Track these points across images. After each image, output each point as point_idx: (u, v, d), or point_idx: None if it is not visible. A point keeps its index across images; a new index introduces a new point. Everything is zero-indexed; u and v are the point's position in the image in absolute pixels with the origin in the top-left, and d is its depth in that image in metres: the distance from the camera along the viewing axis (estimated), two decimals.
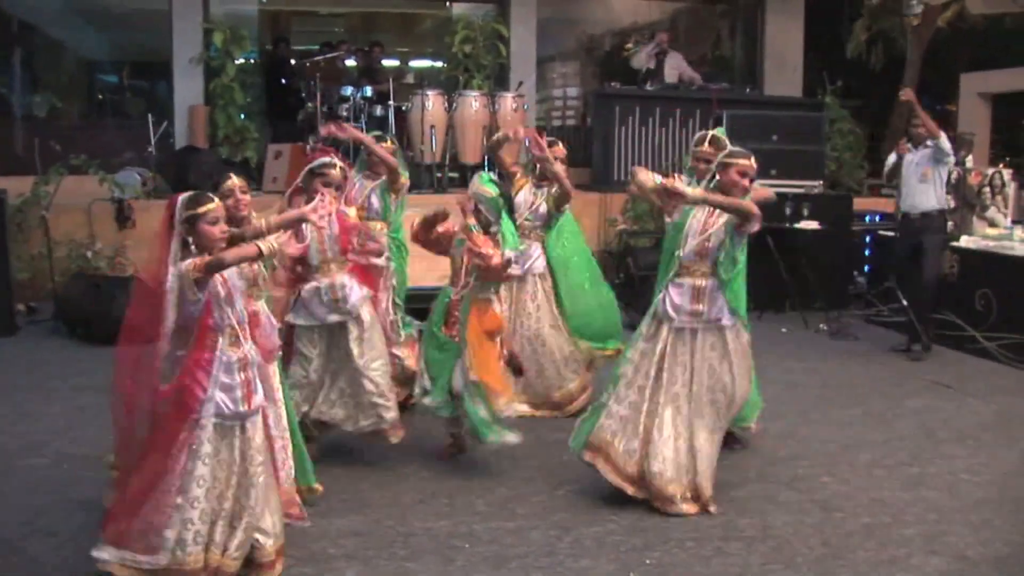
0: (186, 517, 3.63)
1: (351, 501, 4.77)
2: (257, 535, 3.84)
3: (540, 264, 6.23)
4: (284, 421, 4.46)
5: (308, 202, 4.36)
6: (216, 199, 3.80)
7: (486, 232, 5.10)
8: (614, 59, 15.94)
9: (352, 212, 5.26)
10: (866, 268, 10.00)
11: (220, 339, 3.72)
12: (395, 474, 5.16)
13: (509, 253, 5.09)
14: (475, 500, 4.82)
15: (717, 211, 4.60)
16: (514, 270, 5.56)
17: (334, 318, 5.08)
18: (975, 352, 7.86)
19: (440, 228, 5.20)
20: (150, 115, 10.77)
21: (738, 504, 4.77)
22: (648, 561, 4.17)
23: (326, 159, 4.97)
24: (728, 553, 4.25)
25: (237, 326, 3.76)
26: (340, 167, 5.01)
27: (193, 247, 3.67)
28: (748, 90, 13.30)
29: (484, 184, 5.19)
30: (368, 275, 5.27)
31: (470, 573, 4.04)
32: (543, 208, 6.23)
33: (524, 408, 6.02)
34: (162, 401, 3.70)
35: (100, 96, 15.48)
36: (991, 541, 4.37)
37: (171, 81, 11.74)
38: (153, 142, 10.45)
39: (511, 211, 5.49)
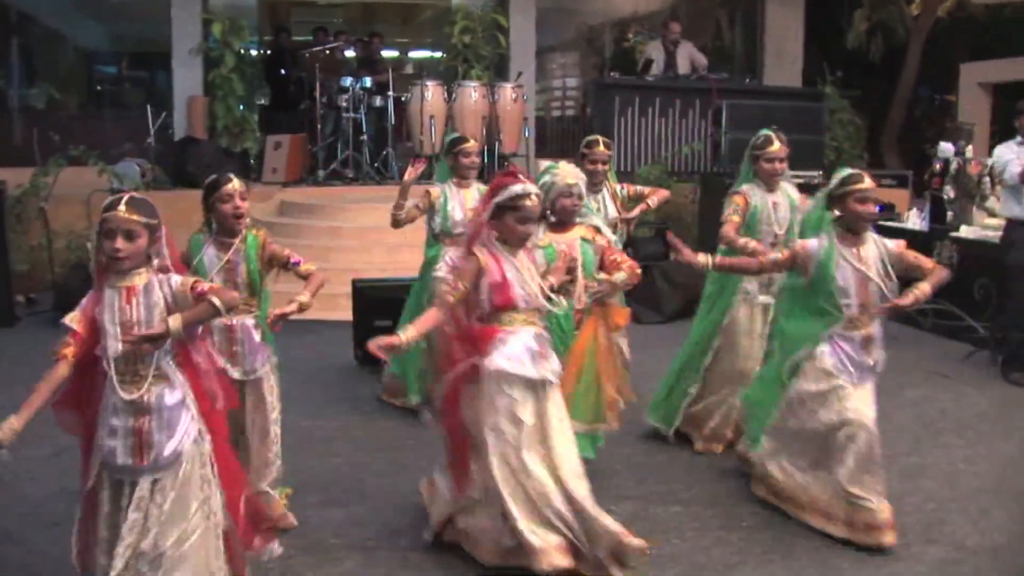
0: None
1: (351, 492, 4.77)
2: None
3: None
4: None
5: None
6: None
7: (570, 223, 4.54)
8: (614, 49, 15.95)
9: None
10: None
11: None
12: (395, 464, 5.16)
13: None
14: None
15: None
16: None
17: None
18: (974, 342, 7.86)
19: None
20: (149, 106, 10.78)
21: (737, 495, 4.77)
22: (648, 551, 4.17)
23: (515, 187, 3.83)
24: (728, 543, 4.26)
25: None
26: (536, 195, 3.89)
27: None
28: (748, 80, 13.32)
29: (576, 170, 4.61)
30: None
31: (470, 563, 4.04)
32: (612, 211, 5.66)
33: None
34: None
35: (99, 87, 15.49)
36: (989, 531, 4.37)
37: (170, 72, 11.76)
38: (152, 133, 10.45)
39: None
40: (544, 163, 4.92)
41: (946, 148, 9.23)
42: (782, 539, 4.29)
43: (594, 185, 5.48)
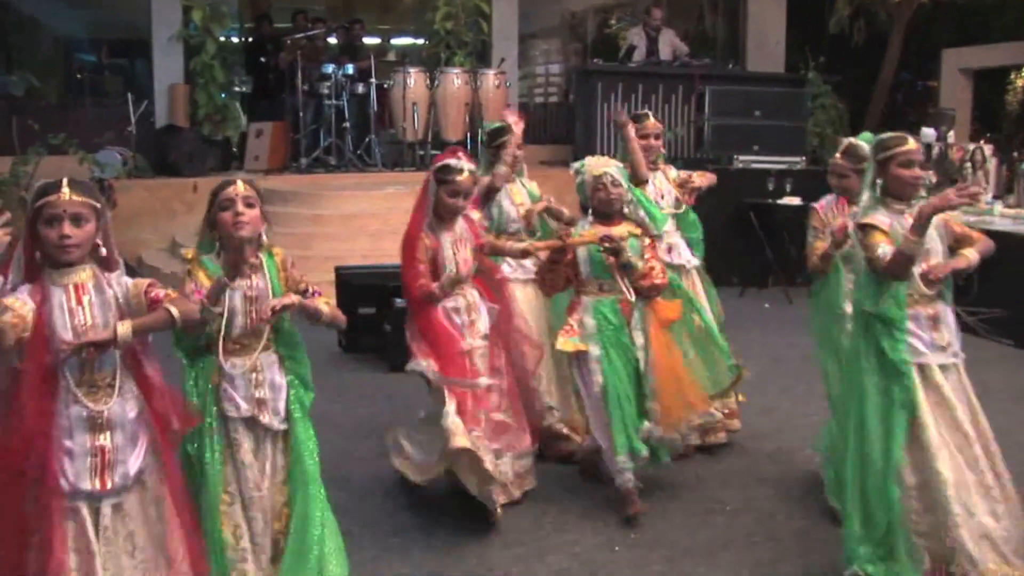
0: None
1: (336, 479, 4.73)
2: None
3: (691, 255, 5.31)
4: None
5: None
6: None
7: (618, 217, 4.43)
8: (596, 35, 15.93)
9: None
10: None
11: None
12: (377, 452, 5.13)
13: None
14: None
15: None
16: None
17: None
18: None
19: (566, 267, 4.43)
20: (129, 94, 10.69)
21: (722, 477, 4.80)
22: (633, 535, 4.20)
23: (450, 161, 4.17)
24: (713, 525, 4.29)
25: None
26: (470, 171, 4.19)
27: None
28: (730, 66, 13.30)
29: (603, 160, 4.49)
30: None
31: (454, 547, 4.06)
32: (672, 193, 5.29)
33: None
34: None
35: (79, 75, 15.35)
36: None
37: (151, 59, 11.66)
38: (133, 121, 10.37)
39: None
40: (590, 159, 4.51)
41: (928, 134, 9.28)
42: (765, 521, 4.32)
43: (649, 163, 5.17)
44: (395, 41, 16.78)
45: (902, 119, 15.13)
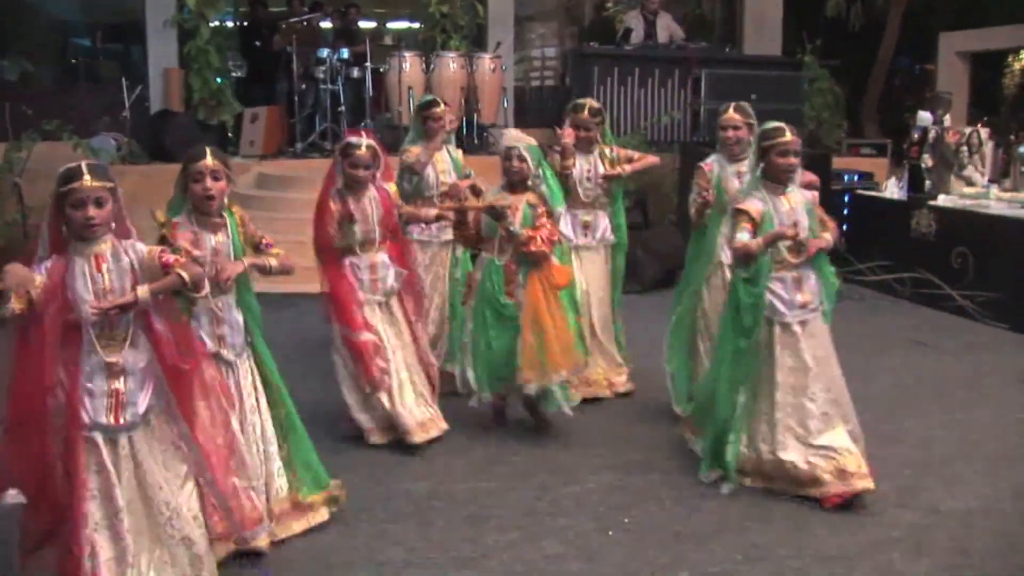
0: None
1: (330, 464, 4.70)
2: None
3: (609, 234, 5.81)
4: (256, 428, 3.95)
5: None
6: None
7: (521, 187, 4.96)
8: (593, 19, 15.87)
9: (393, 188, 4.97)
10: (844, 227, 10.02)
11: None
12: None
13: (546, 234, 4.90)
14: (453, 462, 4.84)
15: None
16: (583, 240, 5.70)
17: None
18: (951, 310, 7.92)
19: (472, 225, 5.06)
20: (124, 79, 10.64)
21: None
22: (627, 520, 4.21)
23: (351, 139, 4.76)
24: (706, 511, 4.29)
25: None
26: (368, 145, 4.71)
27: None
28: (727, 49, 13.24)
29: (519, 135, 5.08)
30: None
31: (450, 533, 4.07)
32: (600, 169, 5.70)
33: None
34: None
35: (73, 60, 15.28)
36: (962, 495, 4.43)
37: (145, 44, 11.59)
38: (128, 106, 10.33)
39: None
40: (510, 131, 5.22)
41: (925, 117, 9.25)
42: (759, 506, 4.32)
43: (586, 146, 5.65)
44: (391, 25, 16.70)
45: (899, 102, 15.14)
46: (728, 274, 4.90)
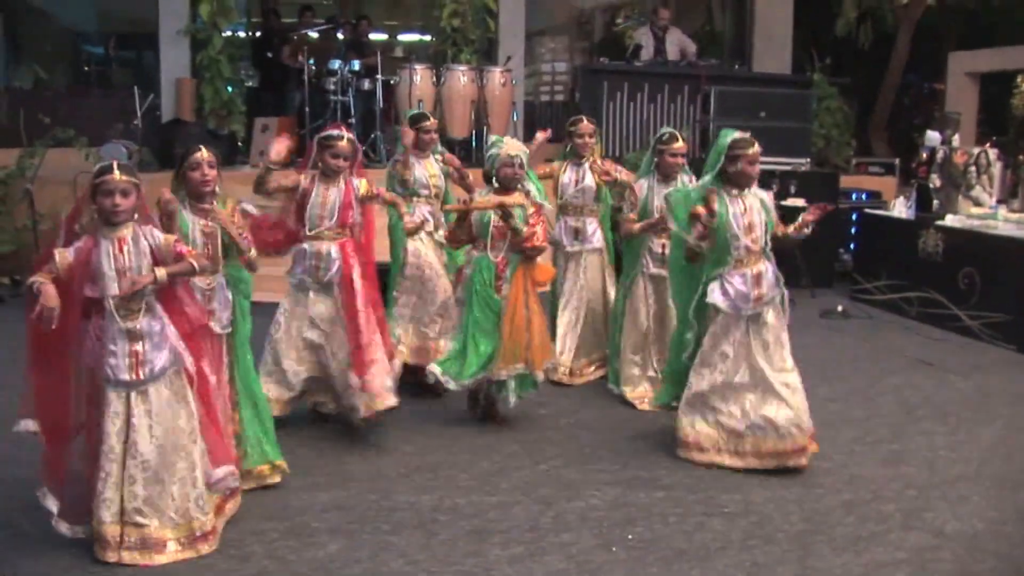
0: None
1: (334, 475, 4.79)
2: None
3: (598, 239, 6.44)
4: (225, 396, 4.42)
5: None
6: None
7: (513, 190, 5.29)
8: (603, 34, 15.91)
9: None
10: (852, 246, 10.04)
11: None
12: (378, 448, 5.18)
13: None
14: (458, 474, 4.85)
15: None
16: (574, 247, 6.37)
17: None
18: (958, 330, 7.91)
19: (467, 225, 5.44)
20: (136, 87, 10.70)
21: (720, 480, 4.80)
22: (630, 536, 4.20)
23: (332, 131, 5.13)
24: (710, 529, 4.29)
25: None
26: (348, 139, 5.12)
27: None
28: (737, 66, 13.28)
29: (517, 144, 5.43)
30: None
31: (452, 547, 4.07)
32: (589, 181, 6.37)
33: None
34: None
35: (86, 67, 15.37)
36: (967, 517, 4.41)
37: (157, 53, 11.66)
38: (139, 114, 10.37)
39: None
40: (508, 140, 5.50)
41: (933, 137, 9.26)
42: (762, 525, 4.32)
43: (579, 157, 6.38)
44: (402, 37, 16.76)
45: (908, 121, 15.14)
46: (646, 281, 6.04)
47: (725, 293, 4.85)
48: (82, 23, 15.58)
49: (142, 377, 3.83)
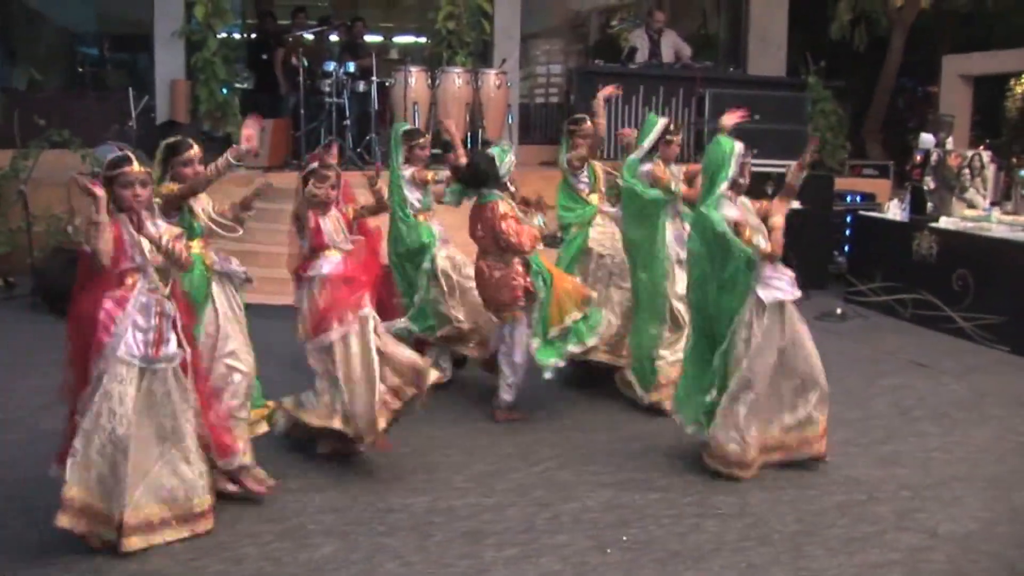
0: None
1: (329, 477, 4.79)
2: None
3: None
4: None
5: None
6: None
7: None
8: (598, 37, 15.93)
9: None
10: (846, 248, 10.06)
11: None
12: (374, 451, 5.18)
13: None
14: (453, 476, 4.86)
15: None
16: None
17: None
18: (952, 332, 7.93)
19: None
20: (131, 89, 10.69)
21: (714, 482, 4.80)
22: (625, 538, 4.21)
23: (314, 164, 5.01)
24: (704, 530, 4.30)
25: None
26: (334, 173, 5.05)
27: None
28: (731, 69, 13.31)
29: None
30: None
31: (447, 549, 4.08)
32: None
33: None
34: None
35: (80, 69, 15.34)
36: (961, 518, 4.43)
37: (152, 54, 11.65)
38: (134, 116, 10.37)
39: None
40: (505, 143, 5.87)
41: (927, 139, 9.29)
42: (757, 526, 4.33)
43: (582, 159, 6.30)
44: (397, 39, 16.77)
45: (902, 124, 15.18)
46: None
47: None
48: (77, 24, 15.55)
49: (160, 354, 4.00)
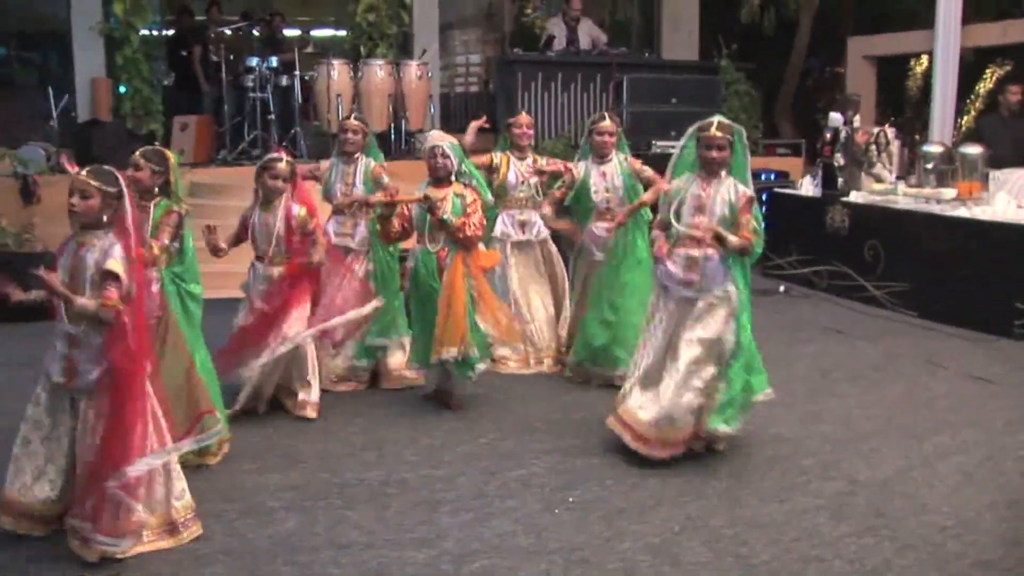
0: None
1: (285, 457, 4.95)
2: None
3: (543, 231, 6.62)
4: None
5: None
6: None
7: (448, 181, 5.50)
8: (516, 25, 16.14)
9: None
10: (764, 225, 10.41)
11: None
12: (323, 431, 5.36)
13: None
14: (403, 451, 5.06)
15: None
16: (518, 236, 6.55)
17: None
18: (864, 300, 8.36)
19: (397, 219, 5.57)
20: (50, 88, 10.58)
21: None
22: (571, 499, 4.46)
23: (273, 154, 5.44)
24: (645, 488, 4.56)
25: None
26: (287, 161, 5.40)
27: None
28: (646, 54, 13.62)
29: (442, 135, 5.68)
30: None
31: (405, 517, 4.27)
32: (534, 179, 6.56)
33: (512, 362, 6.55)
34: None
35: None
36: (879, 465, 4.79)
37: (69, 52, 11.52)
38: (55, 116, 10.28)
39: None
40: (433, 133, 5.77)
41: (835, 118, 9.69)
42: (693, 482, 4.61)
43: (521, 150, 6.63)
44: (315, 33, 16.76)
45: (812, 104, 15.69)
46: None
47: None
48: None
49: (73, 384, 3.82)
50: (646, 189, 6.07)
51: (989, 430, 5.30)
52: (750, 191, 4.80)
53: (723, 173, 4.76)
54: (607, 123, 6.15)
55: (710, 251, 4.72)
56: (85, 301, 3.69)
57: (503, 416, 5.60)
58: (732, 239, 4.66)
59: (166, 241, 4.66)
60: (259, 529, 4.16)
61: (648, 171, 6.19)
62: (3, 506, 3.96)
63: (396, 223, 5.55)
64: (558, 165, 6.56)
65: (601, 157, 6.19)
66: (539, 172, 6.53)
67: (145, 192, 4.64)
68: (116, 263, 3.73)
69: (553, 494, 4.52)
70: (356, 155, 6.16)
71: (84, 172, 3.77)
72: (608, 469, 4.79)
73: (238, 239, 5.58)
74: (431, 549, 3.98)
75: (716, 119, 4.78)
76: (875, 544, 3.97)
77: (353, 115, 6.46)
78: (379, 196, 5.58)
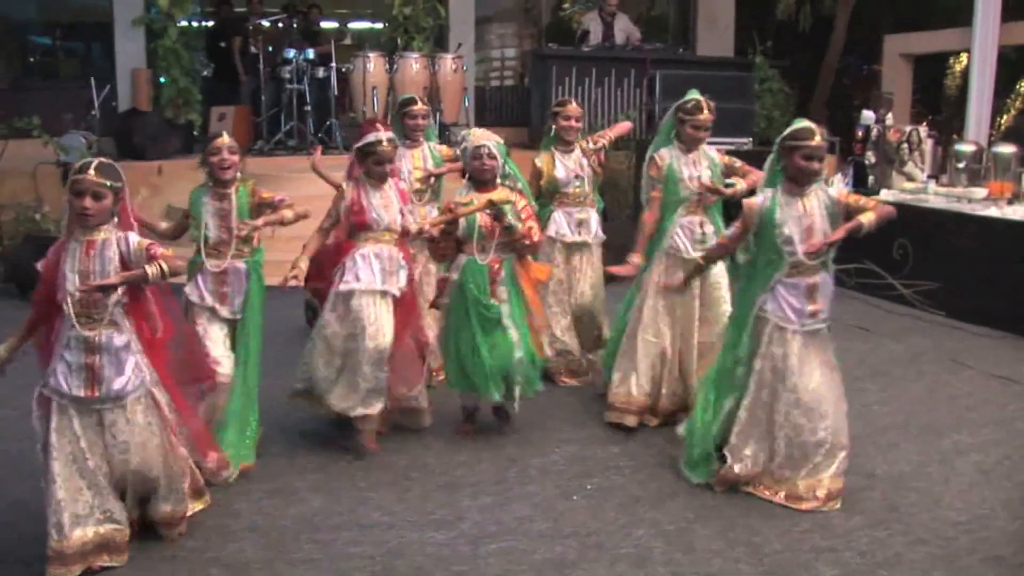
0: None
1: (313, 440, 5.09)
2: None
3: (600, 233, 6.09)
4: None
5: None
6: None
7: (492, 184, 4.93)
8: (551, 20, 16.20)
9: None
10: None
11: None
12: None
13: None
14: (426, 437, 5.17)
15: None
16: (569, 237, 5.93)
17: None
18: (892, 298, 8.35)
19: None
20: (92, 78, 10.81)
21: (669, 436, 5.06)
22: (589, 486, 4.56)
23: (371, 136, 4.77)
24: (662, 477, 4.65)
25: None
26: (389, 139, 4.82)
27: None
28: (681, 50, 13.65)
29: (486, 133, 5.04)
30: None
31: (426, 500, 4.39)
32: (584, 163, 5.97)
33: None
34: None
35: (31, 59, 15.31)
36: (896, 460, 4.85)
37: (111, 43, 11.76)
38: (97, 105, 10.51)
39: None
40: (476, 131, 5.13)
41: (868, 116, 9.70)
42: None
43: (568, 143, 5.96)
44: (352, 25, 16.93)
45: (847, 102, 15.62)
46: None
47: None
48: (26, 14, 15.50)
49: (96, 395, 3.61)
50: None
51: (1009, 428, 5.33)
52: (835, 191, 4.43)
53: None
54: (706, 115, 5.25)
55: (824, 274, 4.35)
56: (148, 268, 3.57)
57: (526, 405, 5.65)
58: (868, 217, 4.24)
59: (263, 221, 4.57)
60: (285, 508, 4.29)
61: (738, 162, 5.50)
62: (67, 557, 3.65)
63: (453, 239, 4.98)
64: (606, 135, 6.17)
65: (688, 149, 5.31)
66: (595, 151, 5.99)
67: (228, 182, 4.55)
68: (141, 240, 3.67)
69: (571, 481, 4.61)
70: (420, 140, 5.99)
71: (91, 171, 3.54)
72: (627, 458, 4.88)
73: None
74: (450, 530, 4.10)
75: (807, 124, 4.34)
76: (887, 537, 4.04)
77: (416, 99, 6.11)
78: (439, 217, 5.01)
